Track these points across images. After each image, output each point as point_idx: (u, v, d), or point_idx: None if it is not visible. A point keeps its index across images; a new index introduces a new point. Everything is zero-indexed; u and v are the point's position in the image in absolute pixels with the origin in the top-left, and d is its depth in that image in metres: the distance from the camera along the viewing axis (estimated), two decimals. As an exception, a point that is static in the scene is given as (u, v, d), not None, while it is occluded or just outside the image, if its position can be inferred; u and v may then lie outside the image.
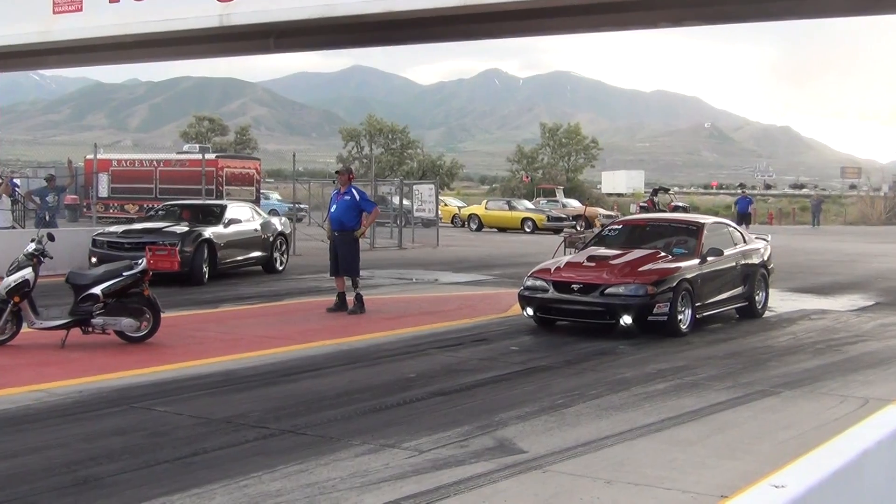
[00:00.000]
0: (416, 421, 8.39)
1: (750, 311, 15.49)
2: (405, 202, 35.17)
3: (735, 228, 16.53)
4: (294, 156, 33.13)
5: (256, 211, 23.12)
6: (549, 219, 45.53)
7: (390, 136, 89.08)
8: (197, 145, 54.34)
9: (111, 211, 38.09)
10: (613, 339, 12.97)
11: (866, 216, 64.24)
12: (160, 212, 22.02)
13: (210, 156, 37.36)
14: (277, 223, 22.79)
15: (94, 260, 18.64)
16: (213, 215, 20.95)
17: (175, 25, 21.93)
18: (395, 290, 19.20)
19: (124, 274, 12.02)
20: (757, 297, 15.62)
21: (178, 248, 17.26)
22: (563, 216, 46.29)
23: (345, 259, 15.57)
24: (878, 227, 58.04)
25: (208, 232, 19.77)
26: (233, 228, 20.65)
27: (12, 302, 11.70)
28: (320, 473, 6.82)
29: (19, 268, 11.86)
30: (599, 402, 9.22)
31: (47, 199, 23.48)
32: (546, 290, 13.64)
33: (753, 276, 15.52)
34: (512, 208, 47.74)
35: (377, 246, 31.05)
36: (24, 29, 23.81)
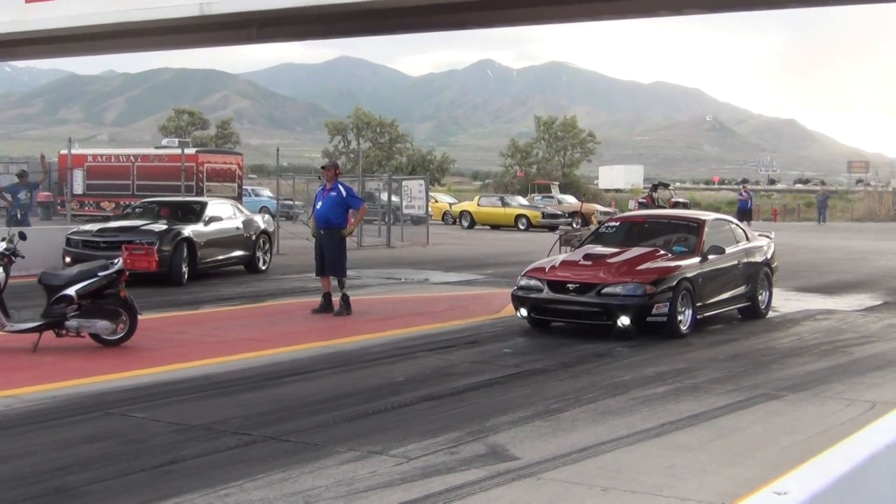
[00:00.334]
0: (404, 427, 8.38)
1: (753, 312, 15.51)
2: (394, 199, 35.15)
3: (737, 225, 16.54)
4: (278, 150, 33.03)
5: (238, 208, 23.09)
6: (544, 215, 45.60)
7: (378, 130, 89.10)
8: (176, 140, 54.23)
9: (86, 208, 37.96)
10: (611, 341, 12.97)
11: (874, 212, 64.35)
12: (137, 209, 21.97)
13: (190, 151, 37.28)
14: (260, 221, 22.75)
15: (68, 260, 18.58)
16: (193, 213, 20.91)
17: (154, 15, 21.91)
18: (384, 291, 19.18)
19: (100, 274, 11.98)
20: (760, 297, 15.65)
21: (156, 248, 17.26)
22: (559, 213, 46.36)
23: (331, 258, 15.55)
24: (886, 224, 58.15)
25: (188, 230, 19.72)
26: (213, 226, 20.61)
27: (-18, 304, 11.65)
28: (304, 482, 6.81)
29: (-11, 268, 11.81)
30: (596, 407, 9.22)
31: (19, 196, 23.40)
32: (540, 290, 13.64)
33: (756, 275, 15.54)
34: (505, 205, 47.79)
35: (365, 244, 31.02)
36: (-6, 19, 23.77)
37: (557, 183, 65.23)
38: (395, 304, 17.37)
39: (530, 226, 45.05)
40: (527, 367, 11.34)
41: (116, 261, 12.20)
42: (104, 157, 41.34)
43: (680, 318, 13.42)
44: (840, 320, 15.68)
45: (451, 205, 53.08)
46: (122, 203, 33.63)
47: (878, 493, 4.11)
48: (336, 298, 15.49)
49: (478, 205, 48.67)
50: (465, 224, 47.46)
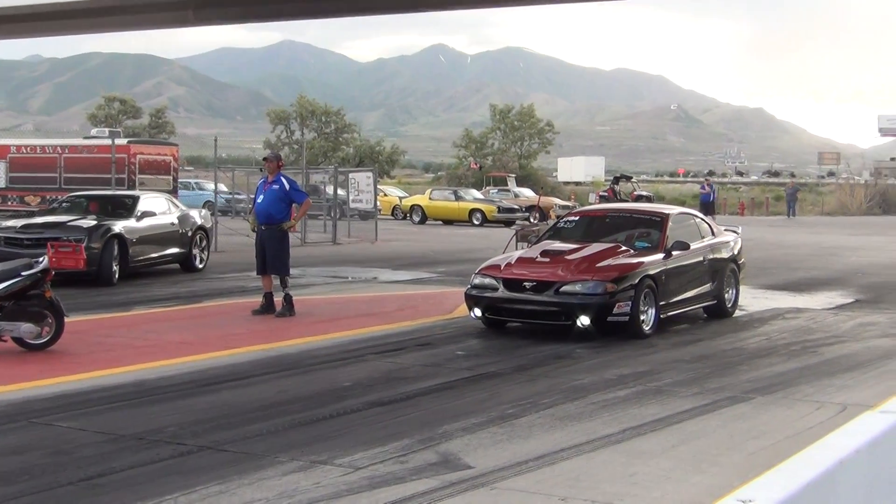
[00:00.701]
0: (351, 434, 8.37)
1: (719, 311, 15.64)
2: (340, 192, 35.09)
3: (703, 220, 16.66)
4: (216, 141, 32.88)
5: (173, 202, 22.95)
6: (500, 210, 45.72)
7: (324, 119, 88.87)
8: (106, 129, 53.55)
9: (9, 203, 37.55)
10: (570, 342, 13.02)
11: (846, 206, 65.15)
12: (64, 204, 21.76)
13: (121, 141, 36.91)
14: (197, 216, 22.62)
15: (-11, 258, 18.36)
16: (125, 207, 20.75)
17: (79, -6, 21.63)
18: (329, 290, 19.14)
19: (23, 274, 11.85)
20: (726, 295, 15.77)
21: (84, 245, 17.05)
22: (515, 207, 46.50)
23: (273, 255, 15.48)
24: (858, 218, 58.94)
25: (118, 226, 19.55)
26: (146, 222, 20.46)
27: None
28: (244, 494, 6.78)
29: None
30: (554, 412, 9.25)
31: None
32: (495, 289, 13.67)
33: (723, 272, 15.67)
34: (459, 199, 47.85)
35: (309, 241, 30.92)
36: None
37: (514, 175, 65.45)
38: (342, 304, 17.34)
39: (485, 221, 45.14)
40: (481, 370, 11.36)
41: (41, 259, 12.09)
42: (29, 148, 40.83)
43: (642, 317, 13.49)
44: (810, 319, 15.85)
45: (401, 199, 53.08)
46: (47, 197, 33.29)
47: (848, 501, 4.16)
48: (278, 299, 15.43)
49: (429, 199, 48.69)
50: (416, 219, 47.47)
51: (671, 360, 12.14)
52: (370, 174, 37.23)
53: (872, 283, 21.45)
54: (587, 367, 11.61)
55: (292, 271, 16.38)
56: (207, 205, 32.25)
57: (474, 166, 78.10)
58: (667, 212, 15.74)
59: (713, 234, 16.08)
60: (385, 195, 52.01)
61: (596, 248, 14.23)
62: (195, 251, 22.01)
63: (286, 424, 8.68)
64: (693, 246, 14.89)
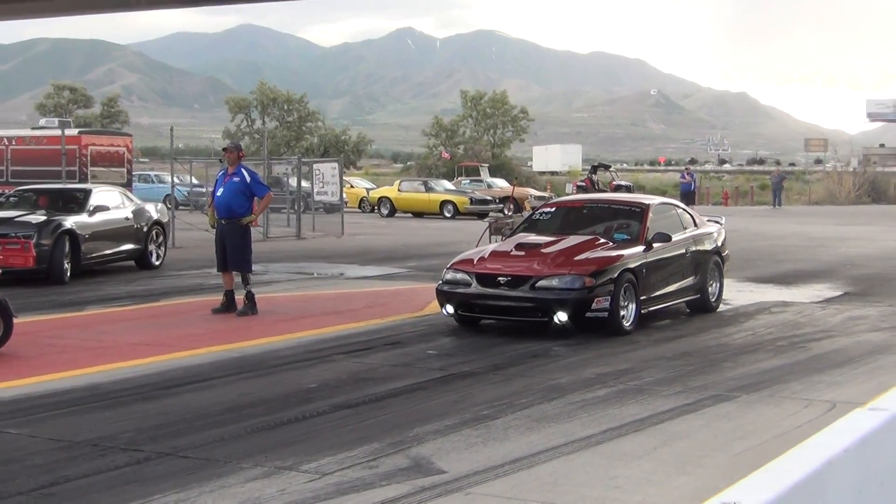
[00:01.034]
0: (317, 439, 8.37)
1: (702, 305, 15.71)
2: (304, 184, 34.98)
3: (684, 210, 16.71)
4: (172, 130, 32.71)
5: (128, 196, 22.86)
6: (473, 201, 45.73)
7: (286, 107, 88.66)
8: (56, 119, 53.18)
9: (-47, 198, 37.23)
10: (547, 340, 13.04)
11: (833, 194, 65.50)
12: (12, 198, 21.61)
13: (71, 132, 36.65)
14: (153, 210, 22.53)
15: (-68, 256, 18.24)
16: (76, 202, 20.64)
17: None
18: (293, 287, 19.12)
19: (-32, 272, 11.79)
20: (710, 289, 15.84)
21: (33, 242, 17.00)
22: (489, 198, 46.52)
23: (233, 251, 15.44)
24: (846, 207, 59.29)
25: (70, 221, 19.46)
26: (99, 217, 20.37)
27: None
28: (204, 502, 6.77)
29: None
30: (530, 413, 9.27)
31: None
32: (468, 285, 13.68)
33: (706, 265, 15.73)
34: (429, 190, 47.83)
35: (272, 236, 30.86)
36: None
37: (487, 165, 65.45)
38: (307, 302, 17.32)
39: (457, 213, 45.14)
40: (454, 369, 11.37)
41: (-13, 257, 12.02)
42: (-27, 140, 40.54)
43: (623, 313, 13.53)
44: (797, 313, 15.94)
45: (368, 190, 52.98)
46: (-7, 191, 32.96)
47: (837, 501, 4.19)
48: (239, 297, 15.39)
49: (398, 190, 48.65)
50: (385, 212, 47.41)
51: (653, 357, 12.19)
52: (335, 165, 37.16)
53: (862, 275, 21.57)
54: (565, 365, 11.64)
55: (254, 267, 16.36)
56: (168, 199, 32.11)
57: (445, 156, 78.11)
58: (647, 202, 15.78)
59: (696, 225, 16.13)
60: (352, 187, 51.90)
61: (573, 240, 14.24)
62: (151, 247, 21.95)
63: (249, 429, 8.67)
64: (675, 238, 14.94)
